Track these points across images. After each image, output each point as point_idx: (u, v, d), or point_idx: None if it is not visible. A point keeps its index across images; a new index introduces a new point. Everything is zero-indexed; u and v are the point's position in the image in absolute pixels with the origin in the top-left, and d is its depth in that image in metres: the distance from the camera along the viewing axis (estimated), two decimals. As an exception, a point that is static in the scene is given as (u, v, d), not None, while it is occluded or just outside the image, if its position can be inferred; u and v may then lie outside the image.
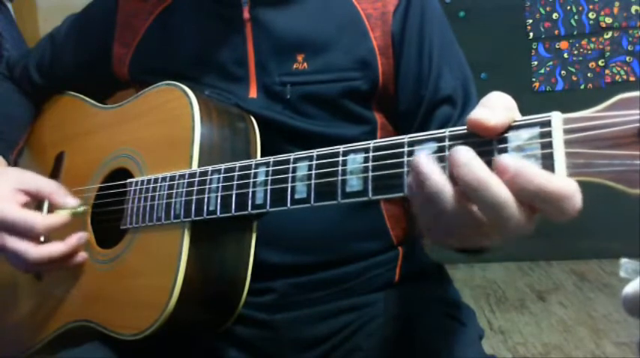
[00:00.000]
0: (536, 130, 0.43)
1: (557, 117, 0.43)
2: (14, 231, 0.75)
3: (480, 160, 0.43)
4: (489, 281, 2.78)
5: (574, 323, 2.28)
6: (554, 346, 2.12)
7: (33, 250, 0.75)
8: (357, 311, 0.81)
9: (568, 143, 0.42)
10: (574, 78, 2.89)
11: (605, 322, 2.26)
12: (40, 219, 0.75)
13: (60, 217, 0.77)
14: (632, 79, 2.82)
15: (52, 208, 0.80)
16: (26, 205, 0.78)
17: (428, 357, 0.73)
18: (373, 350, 0.78)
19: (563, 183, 0.41)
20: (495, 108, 0.45)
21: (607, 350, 2.05)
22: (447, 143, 0.48)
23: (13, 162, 0.96)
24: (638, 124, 0.39)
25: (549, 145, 0.42)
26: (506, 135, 0.45)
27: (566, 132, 0.42)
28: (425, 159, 0.46)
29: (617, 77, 2.84)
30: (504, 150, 0.45)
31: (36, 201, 0.80)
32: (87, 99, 0.95)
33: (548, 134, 0.43)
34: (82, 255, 0.80)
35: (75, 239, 0.78)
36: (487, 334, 1.87)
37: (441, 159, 0.48)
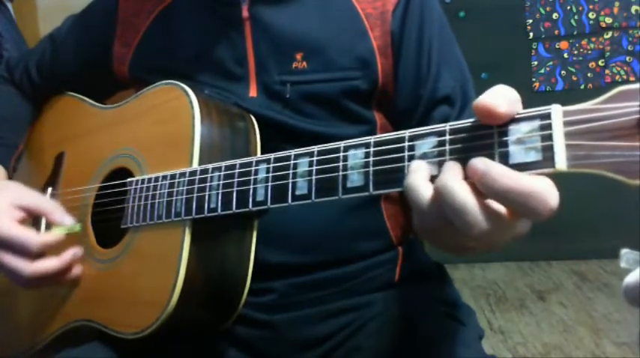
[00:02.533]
0: (536, 123, 0.43)
1: (556, 110, 0.43)
2: (9, 247, 0.75)
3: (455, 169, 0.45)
4: (489, 282, 2.78)
5: (574, 323, 2.28)
6: (554, 346, 2.12)
7: (27, 267, 0.75)
8: (357, 311, 0.81)
9: (568, 135, 0.42)
10: (574, 78, 2.89)
11: (605, 322, 2.26)
12: (34, 238, 0.75)
13: (54, 236, 0.77)
14: (632, 78, 2.82)
15: (50, 225, 0.81)
16: (22, 222, 0.78)
17: (428, 357, 0.73)
18: (373, 350, 0.78)
19: (530, 182, 0.42)
20: (504, 97, 0.45)
21: (607, 350, 2.05)
22: (447, 137, 0.48)
23: (12, 168, 0.97)
24: (637, 116, 0.39)
25: (549, 137, 0.42)
26: (506, 128, 0.45)
27: (566, 124, 0.42)
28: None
29: (617, 77, 2.85)
30: (505, 144, 0.45)
31: (32, 218, 0.81)
32: (87, 99, 0.95)
33: (548, 126, 0.43)
34: (77, 270, 0.80)
35: (69, 255, 0.78)
36: (487, 334, 1.87)
37: (440, 154, 0.48)
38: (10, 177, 0.95)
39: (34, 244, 0.75)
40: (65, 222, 0.79)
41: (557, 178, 0.44)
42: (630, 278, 0.36)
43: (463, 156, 0.46)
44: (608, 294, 2.50)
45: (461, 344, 0.76)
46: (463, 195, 0.44)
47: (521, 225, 0.47)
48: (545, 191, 0.42)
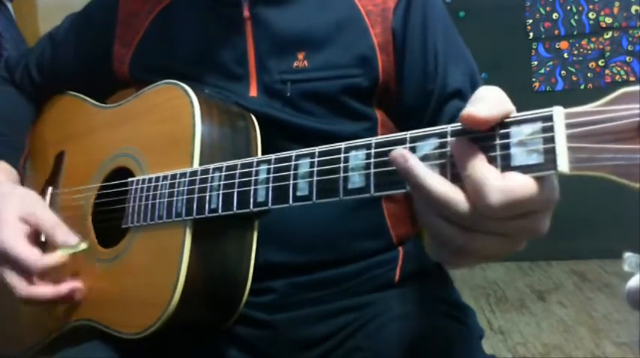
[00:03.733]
0: (538, 125, 0.43)
1: (559, 112, 0.43)
2: (11, 263, 0.75)
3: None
4: (489, 282, 2.78)
5: (574, 323, 2.28)
6: (554, 346, 2.12)
7: (23, 290, 0.75)
8: (357, 311, 0.81)
9: (570, 137, 0.42)
10: (574, 78, 2.89)
11: (605, 322, 2.26)
12: (36, 261, 0.75)
13: (57, 258, 0.76)
14: (632, 78, 2.82)
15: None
16: (29, 235, 0.78)
17: (428, 357, 0.73)
18: (373, 350, 0.78)
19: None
20: (485, 101, 0.46)
21: (607, 350, 2.05)
22: (448, 139, 0.48)
23: (22, 167, 0.96)
24: (639, 118, 0.39)
25: (551, 140, 0.42)
26: (508, 130, 0.45)
27: (568, 126, 0.42)
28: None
29: (617, 77, 2.85)
30: (506, 146, 0.45)
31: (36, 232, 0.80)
32: (87, 98, 0.95)
33: (550, 129, 0.43)
34: (74, 298, 0.80)
35: (67, 288, 0.78)
36: (487, 334, 1.87)
37: (442, 156, 0.48)
38: (22, 177, 0.95)
39: (35, 267, 0.75)
40: (68, 242, 0.78)
41: (558, 178, 0.44)
42: (633, 282, 0.36)
43: None
44: (608, 294, 2.50)
45: (461, 344, 0.76)
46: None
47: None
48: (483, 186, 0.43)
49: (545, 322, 2.32)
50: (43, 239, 0.81)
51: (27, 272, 0.76)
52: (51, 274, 0.77)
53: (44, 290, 0.77)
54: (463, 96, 0.80)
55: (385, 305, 0.81)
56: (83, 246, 0.78)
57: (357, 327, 0.80)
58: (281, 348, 0.79)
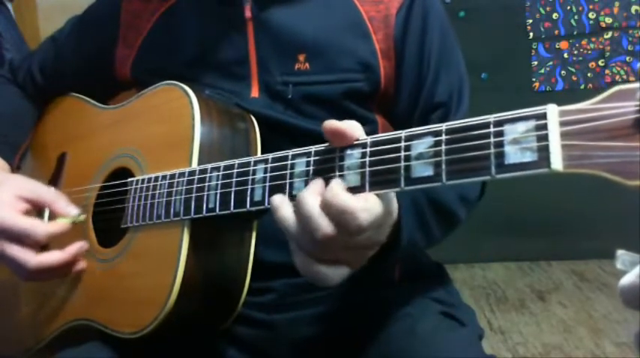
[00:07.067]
0: (532, 123, 0.43)
1: (552, 110, 0.43)
2: (14, 238, 0.74)
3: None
4: (489, 282, 2.78)
5: (574, 323, 2.28)
6: (554, 346, 2.12)
7: (32, 259, 0.74)
8: (356, 311, 0.81)
9: (564, 135, 0.42)
10: (574, 78, 2.88)
11: (605, 322, 2.26)
12: (41, 227, 0.75)
13: (60, 225, 0.77)
14: (632, 79, 2.82)
15: (53, 216, 0.80)
16: (27, 213, 0.78)
17: (428, 357, 0.73)
18: (373, 349, 0.78)
19: (345, 201, 0.52)
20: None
21: (607, 350, 2.05)
22: (443, 137, 0.48)
23: (17, 166, 0.97)
24: (634, 116, 0.39)
25: (545, 138, 0.42)
26: (502, 128, 0.45)
27: (562, 124, 0.42)
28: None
29: (617, 77, 2.84)
30: (500, 144, 0.45)
31: (37, 209, 0.80)
32: (89, 99, 0.96)
33: (544, 127, 0.43)
34: (82, 264, 0.80)
35: (75, 248, 0.78)
36: (487, 334, 1.87)
37: (436, 154, 0.48)
38: (15, 173, 0.95)
39: (40, 233, 0.74)
40: (69, 211, 0.79)
41: (557, 177, 0.44)
42: (626, 280, 0.36)
43: (459, 157, 0.47)
44: (608, 294, 2.50)
45: (461, 344, 0.76)
46: (311, 204, 0.53)
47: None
48: (355, 210, 0.51)
49: (545, 322, 2.32)
50: (45, 219, 0.81)
51: (31, 244, 0.75)
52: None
53: (53, 255, 0.76)
54: (448, 107, 0.81)
55: (385, 305, 0.81)
56: (82, 217, 0.80)
57: (357, 327, 0.80)
58: (280, 348, 0.79)
